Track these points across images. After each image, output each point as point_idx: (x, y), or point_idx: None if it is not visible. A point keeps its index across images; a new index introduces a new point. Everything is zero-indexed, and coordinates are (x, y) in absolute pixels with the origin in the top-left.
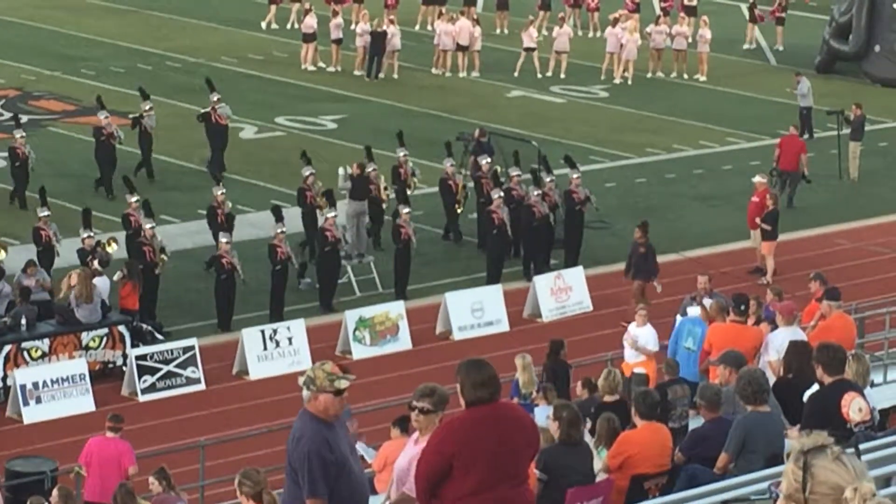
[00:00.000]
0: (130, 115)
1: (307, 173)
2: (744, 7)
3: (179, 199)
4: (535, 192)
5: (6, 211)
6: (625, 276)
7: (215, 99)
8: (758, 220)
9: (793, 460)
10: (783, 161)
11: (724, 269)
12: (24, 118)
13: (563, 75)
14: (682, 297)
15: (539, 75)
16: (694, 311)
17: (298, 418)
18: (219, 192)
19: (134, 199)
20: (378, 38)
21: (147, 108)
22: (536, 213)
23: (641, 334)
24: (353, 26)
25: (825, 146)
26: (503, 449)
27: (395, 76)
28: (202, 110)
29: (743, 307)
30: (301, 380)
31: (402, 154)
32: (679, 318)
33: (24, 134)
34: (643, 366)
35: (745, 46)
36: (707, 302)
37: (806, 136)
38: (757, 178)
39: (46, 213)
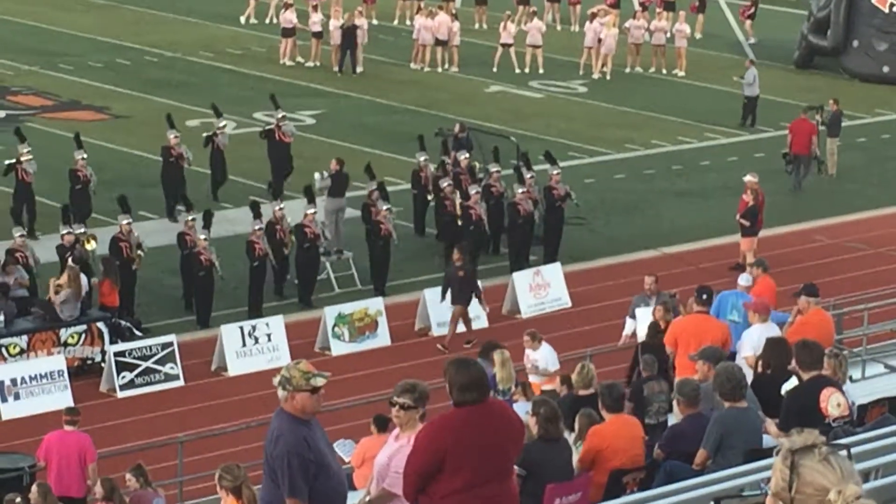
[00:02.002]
0: (204, 134)
1: (372, 188)
2: (722, 2)
3: (158, 195)
4: (520, 190)
5: None
6: (440, 301)
7: (280, 116)
8: (737, 216)
9: (781, 458)
10: (795, 145)
11: (704, 265)
12: (1, 114)
13: (541, 70)
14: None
15: (517, 70)
16: (642, 311)
17: (275, 418)
18: (277, 208)
19: (190, 217)
20: (348, 33)
21: (221, 125)
22: (521, 210)
23: (540, 357)
24: (338, 21)
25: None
26: (492, 447)
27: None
28: (266, 127)
29: (705, 297)
30: (276, 380)
31: (422, 158)
32: (629, 319)
33: (84, 156)
34: (549, 383)
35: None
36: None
37: (748, 123)
38: (748, 177)
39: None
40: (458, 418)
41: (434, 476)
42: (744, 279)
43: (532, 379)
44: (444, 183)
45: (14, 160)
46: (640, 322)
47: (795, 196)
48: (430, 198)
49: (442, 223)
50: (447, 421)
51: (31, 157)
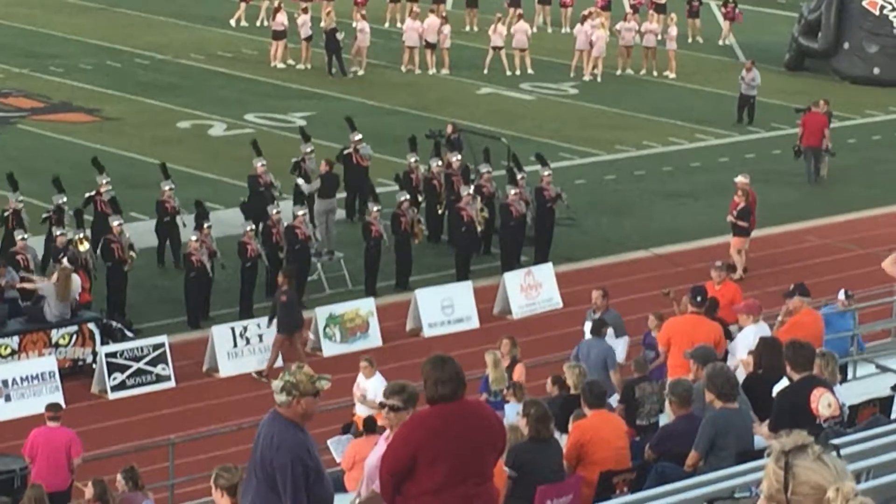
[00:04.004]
0: (293, 159)
1: (402, 198)
2: (713, 5)
3: (148, 195)
4: (513, 192)
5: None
6: (267, 326)
7: (357, 139)
8: (730, 217)
9: (774, 460)
10: (807, 137)
11: (694, 266)
12: None
13: (529, 71)
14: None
15: (508, 73)
16: (588, 326)
17: (271, 423)
18: (274, 211)
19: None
20: (329, 36)
21: (308, 150)
22: (514, 212)
23: (370, 387)
24: (321, 24)
25: (793, 143)
26: (467, 446)
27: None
28: (344, 151)
29: (699, 298)
30: (278, 385)
31: (413, 160)
32: (587, 331)
33: (172, 186)
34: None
35: (721, 42)
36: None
37: (744, 121)
38: (739, 178)
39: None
40: (431, 417)
41: (407, 475)
42: (841, 295)
43: (358, 411)
44: (465, 192)
45: (94, 192)
46: (587, 336)
47: (786, 197)
48: (420, 199)
49: (457, 232)
50: (419, 420)
51: (110, 187)
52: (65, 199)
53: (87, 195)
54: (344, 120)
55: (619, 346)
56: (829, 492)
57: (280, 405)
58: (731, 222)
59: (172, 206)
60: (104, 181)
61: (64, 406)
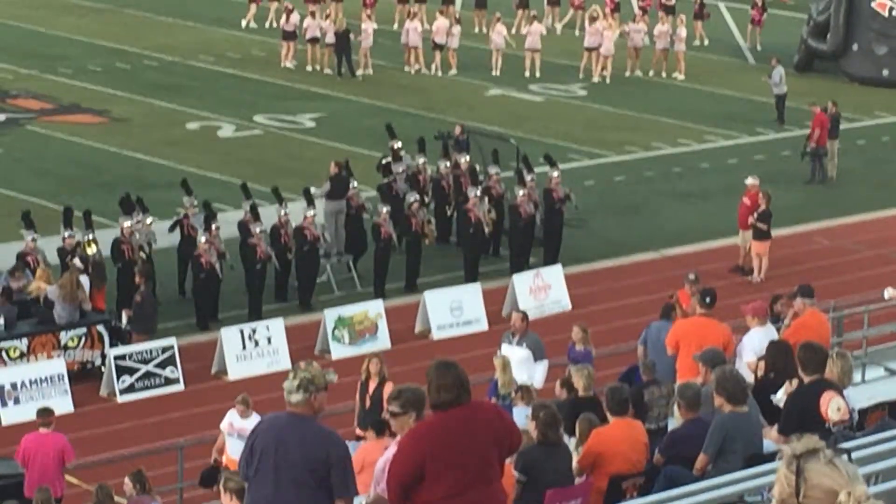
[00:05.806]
0: (383, 181)
1: (412, 199)
2: (722, 6)
3: (157, 197)
4: (521, 192)
5: None
6: (125, 324)
7: (397, 146)
8: (751, 219)
9: (785, 464)
10: (823, 138)
11: (703, 267)
12: (1, 117)
13: (537, 74)
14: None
15: (495, 73)
16: (509, 348)
17: (297, 425)
18: (282, 212)
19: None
20: (341, 38)
21: (400, 170)
22: (523, 213)
23: (249, 426)
24: (326, 23)
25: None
26: (473, 452)
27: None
28: (383, 160)
29: (708, 300)
30: (293, 385)
31: (421, 161)
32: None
33: (252, 204)
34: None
35: (749, 46)
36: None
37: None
38: (749, 180)
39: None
40: (436, 424)
41: (415, 485)
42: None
43: (231, 453)
44: (471, 193)
45: (182, 215)
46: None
47: (795, 198)
48: (426, 200)
49: (465, 233)
50: (425, 428)
51: (196, 210)
52: (34, 237)
53: (174, 219)
54: (385, 128)
55: (539, 370)
56: (841, 495)
57: (297, 404)
58: (751, 225)
59: (256, 236)
60: (192, 203)
61: (73, 409)
